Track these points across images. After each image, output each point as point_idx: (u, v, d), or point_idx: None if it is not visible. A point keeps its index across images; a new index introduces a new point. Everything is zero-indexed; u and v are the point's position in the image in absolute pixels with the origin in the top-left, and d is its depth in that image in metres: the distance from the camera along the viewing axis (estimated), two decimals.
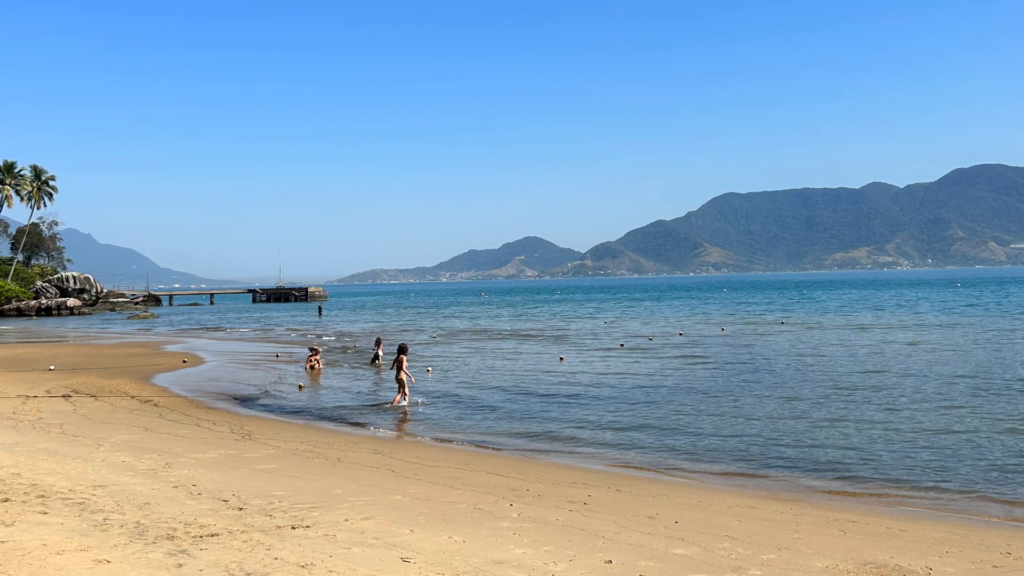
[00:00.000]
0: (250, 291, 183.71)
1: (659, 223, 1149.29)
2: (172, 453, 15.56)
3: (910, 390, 24.24)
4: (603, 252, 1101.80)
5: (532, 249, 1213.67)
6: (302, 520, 10.34)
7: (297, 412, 23.29)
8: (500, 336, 53.48)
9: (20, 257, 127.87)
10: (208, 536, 9.38)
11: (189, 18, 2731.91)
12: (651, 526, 10.59)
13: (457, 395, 25.86)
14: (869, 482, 14.33)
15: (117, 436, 17.64)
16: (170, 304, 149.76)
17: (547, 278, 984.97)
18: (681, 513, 11.47)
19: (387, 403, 24.02)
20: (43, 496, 11.25)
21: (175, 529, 9.64)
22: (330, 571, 8.18)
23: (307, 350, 37.13)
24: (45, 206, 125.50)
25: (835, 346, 39.38)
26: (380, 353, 35.73)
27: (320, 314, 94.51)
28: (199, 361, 38.54)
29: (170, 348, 46.67)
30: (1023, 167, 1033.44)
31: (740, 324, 59.29)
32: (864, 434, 18.17)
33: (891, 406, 21.59)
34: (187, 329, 71.24)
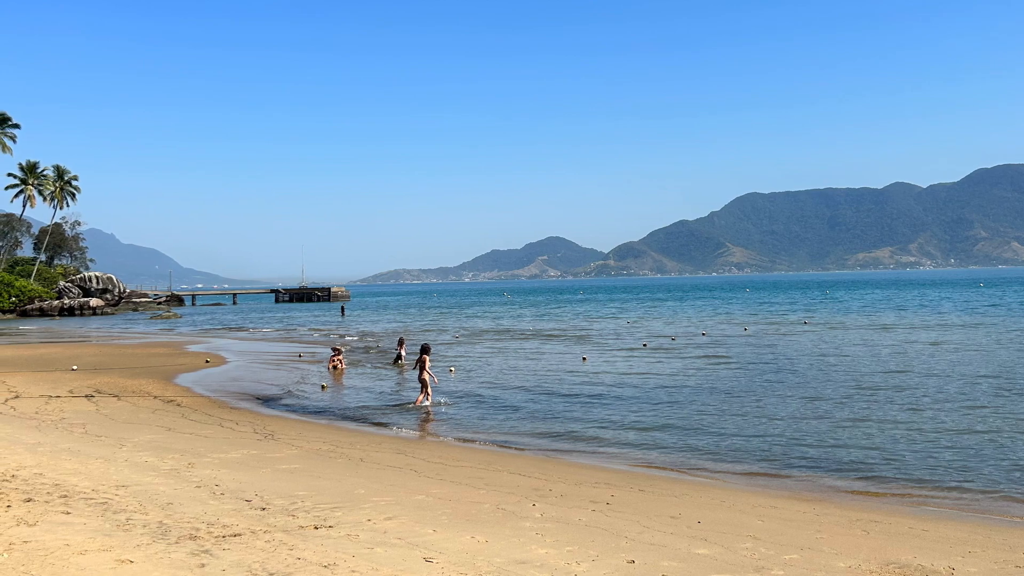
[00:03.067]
0: (273, 291, 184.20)
1: (682, 223, 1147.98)
2: (195, 453, 15.62)
3: (933, 390, 24.07)
4: (626, 252, 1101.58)
5: (555, 249, 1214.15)
6: (325, 520, 10.36)
7: (320, 412, 23.36)
8: (523, 336, 53.44)
9: (43, 257, 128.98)
10: (231, 536, 9.40)
11: (210, 18, 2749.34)
12: (674, 526, 10.56)
13: (480, 395, 25.86)
14: (892, 482, 14.26)
15: (140, 436, 17.72)
16: (193, 304, 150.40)
17: (570, 278, 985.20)
18: (704, 513, 11.44)
19: (410, 403, 24.06)
20: (66, 496, 11.30)
21: (198, 529, 9.67)
22: (353, 571, 8.19)
23: (330, 350, 37.26)
24: (68, 206, 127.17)
25: (858, 346, 39.15)
26: (403, 353, 35.77)
27: (343, 314, 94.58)
28: (222, 361, 38.69)
29: (193, 348, 46.88)
30: None
31: (763, 324, 59.04)
32: (887, 434, 18.06)
33: (914, 406, 21.45)
34: (210, 329, 71.55)
